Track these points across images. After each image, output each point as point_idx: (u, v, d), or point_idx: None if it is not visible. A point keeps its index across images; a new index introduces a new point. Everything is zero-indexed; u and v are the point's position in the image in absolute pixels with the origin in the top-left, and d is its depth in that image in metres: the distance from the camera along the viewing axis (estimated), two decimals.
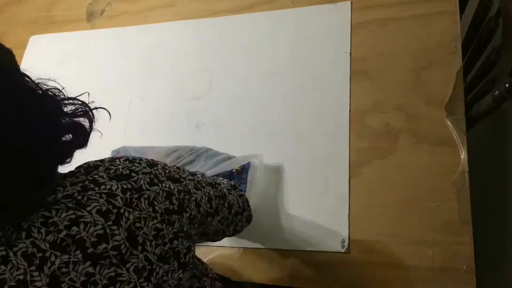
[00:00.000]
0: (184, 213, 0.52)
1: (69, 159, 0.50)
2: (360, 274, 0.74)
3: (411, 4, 0.89)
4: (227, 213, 0.64)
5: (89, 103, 0.54)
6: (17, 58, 1.28)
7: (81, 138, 0.52)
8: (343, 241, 0.76)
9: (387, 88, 0.85)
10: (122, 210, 0.47)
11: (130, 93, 1.03)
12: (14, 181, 0.42)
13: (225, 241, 0.83)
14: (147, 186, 0.50)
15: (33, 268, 0.42)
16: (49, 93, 0.50)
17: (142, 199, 0.49)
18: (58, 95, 0.52)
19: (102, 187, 0.47)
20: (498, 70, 0.90)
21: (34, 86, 0.48)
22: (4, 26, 1.29)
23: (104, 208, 0.46)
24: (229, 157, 0.84)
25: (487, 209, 0.95)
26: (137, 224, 0.47)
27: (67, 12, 1.23)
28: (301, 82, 0.91)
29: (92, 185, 0.47)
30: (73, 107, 0.52)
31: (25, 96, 0.45)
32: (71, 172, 0.50)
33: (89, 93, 0.55)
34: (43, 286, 0.42)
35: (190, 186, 0.56)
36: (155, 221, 0.48)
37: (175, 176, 0.55)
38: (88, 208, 0.45)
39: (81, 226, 0.44)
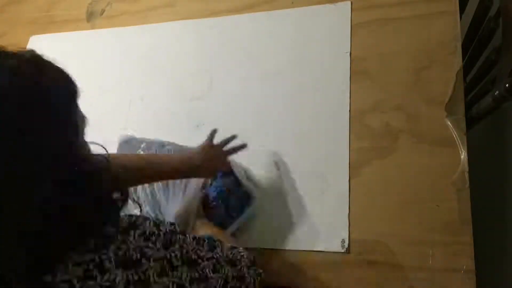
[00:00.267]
0: None
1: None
2: (360, 274, 0.74)
3: (411, 4, 0.89)
4: None
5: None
6: None
7: (124, 197, 0.49)
8: (343, 241, 0.76)
9: (387, 88, 0.85)
10: None
11: (130, 93, 1.03)
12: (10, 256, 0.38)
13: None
14: (156, 278, 0.45)
15: None
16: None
17: None
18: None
19: (105, 277, 0.42)
20: (498, 70, 0.90)
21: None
22: (4, 26, 1.29)
23: None
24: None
25: (487, 209, 0.95)
26: None
27: (67, 12, 1.23)
28: (301, 82, 0.91)
29: (95, 272, 0.42)
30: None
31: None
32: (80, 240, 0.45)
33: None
34: None
35: (207, 270, 0.51)
36: None
37: (193, 257, 0.50)
38: None
39: None
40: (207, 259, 0.52)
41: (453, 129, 0.78)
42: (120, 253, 0.44)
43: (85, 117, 0.48)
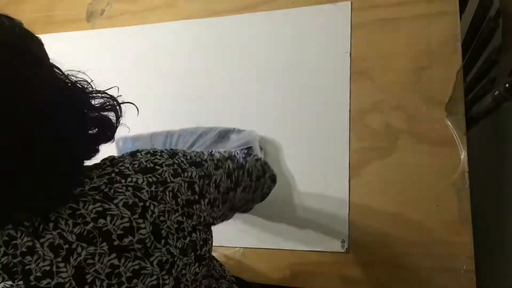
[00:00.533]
0: (203, 200, 0.53)
1: (95, 153, 0.50)
2: (360, 274, 0.74)
3: (411, 4, 0.89)
4: (248, 180, 0.65)
5: (117, 96, 0.56)
6: None
7: (108, 132, 0.51)
8: (343, 241, 0.76)
9: (387, 88, 0.85)
10: (147, 204, 0.47)
11: (130, 93, 1.03)
12: (42, 172, 0.42)
13: (226, 241, 0.83)
14: (171, 178, 0.50)
15: (59, 259, 0.42)
16: (78, 85, 0.51)
17: (167, 192, 0.49)
18: (87, 88, 0.52)
19: (129, 179, 0.48)
20: (498, 70, 0.90)
21: (64, 78, 0.49)
22: None
23: (130, 201, 0.46)
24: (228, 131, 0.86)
25: (487, 209, 0.95)
26: (161, 218, 0.47)
27: (67, 12, 1.23)
28: (301, 82, 0.91)
29: (118, 177, 0.47)
30: (101, 101, 0.53)
31: (55, 87, 0.46)
32: (97, 165, 0.50)
33: (118, 88, 0.57)
34: (68, 277, 0.42)
35: (211, 168, 0.57)
36: (177, 214, 0.49)
37: (197, 160, 0.56)
38: (115, 201, 0.45)
39: (108, 219, 0.44)
40: (209, 161, 0.58)
41: (453, 129, 0.78)
42: (135, 164, 0.50)
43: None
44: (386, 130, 0.82)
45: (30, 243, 0.42)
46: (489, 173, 0.97)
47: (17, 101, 0.39)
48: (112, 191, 0.46)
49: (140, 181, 0.48)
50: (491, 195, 0.96)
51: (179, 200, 0.50)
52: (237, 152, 0.68)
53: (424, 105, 0.81)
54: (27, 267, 0.41)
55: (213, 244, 0.84)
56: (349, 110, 0.85)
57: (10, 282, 0.41)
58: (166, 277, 0.47)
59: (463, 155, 0.76)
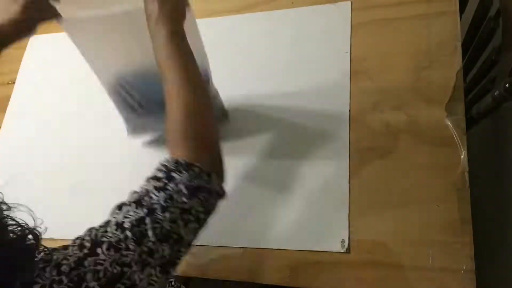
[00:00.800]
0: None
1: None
2: (360, 274, 0.74)
3: (411, 4, 0.89)
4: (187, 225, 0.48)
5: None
6: (17, 58, 1.29)
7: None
8: (343, 241, 0.76)
9: (387, 88, 0.85)
10: None
11: None
12: None
13: (226, 241, 0.83)
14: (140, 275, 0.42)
15: None
16: None
17: None
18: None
19: None
20: (498, 70, 0.90)
21: None
22: None
23: None
24: None
25: (487, 209, 0.95)
26: None
27: None
28: (301, 82, 0.91)
29: None
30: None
31: None
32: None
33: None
34: None
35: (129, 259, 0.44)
36: None
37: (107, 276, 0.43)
38: None
39: None
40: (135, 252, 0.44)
41: (453, 129, 0.78)
42: (100, 275, 0.41)
43: None
44: (386, 130, 0.82)
45: None
46: (489, 173, 0.97)
47: None
48: None
49: None
50: (491, 195, 0.96)
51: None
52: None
53: (424, 105, 0.81)
54: None
55: (213, 244, 0.84)
56: (349, 110, 0.85)
57: None
58: None
59: (463, 155, 0.76)
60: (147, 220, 0.45)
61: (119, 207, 0.50)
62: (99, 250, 0.44)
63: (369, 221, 0.77)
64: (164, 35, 0.54)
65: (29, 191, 1.02)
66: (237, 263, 0.81)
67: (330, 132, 0.85)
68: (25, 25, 0.65)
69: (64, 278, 0.41)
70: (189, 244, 0.50)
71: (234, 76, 0.97)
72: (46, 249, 0.43)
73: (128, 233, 0.44)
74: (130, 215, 0.46)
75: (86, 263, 0.42)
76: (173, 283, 0.92)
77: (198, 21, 1.07)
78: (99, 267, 0.42)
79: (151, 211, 0.46)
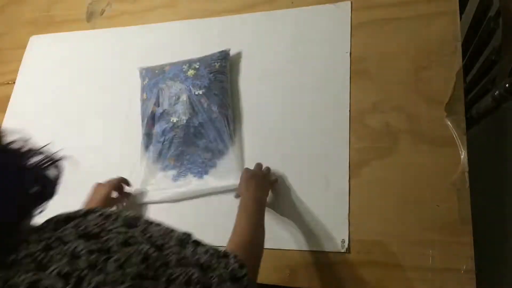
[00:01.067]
0: (159, 282, 0.47)
1: (37, 212, 0.47)
2: (360, 274, 0.74)
3: (411, 4, 0.89)
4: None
5: (56, 152, 0.51)
6: (17, 58, 1.29)
7: (48, 190, 0.49)
8: (343, 241, 0.76)
9: (387, 88, 0.85)
10: (84, 273, 0.42)
11: (130, 93, 1.03)
12: None
13: (226, 241, 0.83)
14: (118, 247, 0.45)
15: None
16: (9, 147, 0.47)
17: (109, 262, 0.44)
18: (21, 148, 0.48)
19: (67, 246, 0.44)
20: (498, 70, 0.90)
21: None
22: (4, 26, 1.29)
23: (65, 270, 0.42)
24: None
25: (487, 209, 0.95)
26: None
27: (67, 12, 1.23)
28: (301, 82, 0.91)
29: (56, 244, 0.44)
30: (38, 159, 0.49)
31: None
32: (38, 227, 0.47)
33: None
34: None
35: (171, 258, 0.49)
36: (123, 286, 0.44)
37: (157, 243, 0.49)
38: (48, 271, 0.41)
39: None
40: (172, 253, 0.50)
41: (453, 129, 0.78)
42: (80, 228, 0.46)
43: None
44: (386, 130, 0.82)
45: None
46: (489, 173, 0.97)
47: None
48: (46, 259, 0.42)
49: (79, 248, 0.44)
50: (491, 195, 0.96)
51: (127, 270, 0.44)
52: (224, 269, 0.55)
53: (424, 105, 0.81)
54: None
55: (213, 244, 0.84)
56: (349, 110, 0.85)
57: None
58: None
59: (463, 155, 0.76)
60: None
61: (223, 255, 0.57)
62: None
63: (369, 221, 0.77)
64: (248, 197, 0.75)
65: None
66: None
67: (330, 132, 0.85)
68: (109, 202, 0.87)
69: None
70: None
71: (233, 76, 0.97)
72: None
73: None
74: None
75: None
76: None
77: (198, 21, 1.08)
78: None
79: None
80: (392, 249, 0.74)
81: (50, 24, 1.24)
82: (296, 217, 0.81)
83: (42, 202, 0.48)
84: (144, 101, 0.96)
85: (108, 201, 0.86)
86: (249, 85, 0.95)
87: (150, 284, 0.46)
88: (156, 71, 0.96)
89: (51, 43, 1.20)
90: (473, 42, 0.98)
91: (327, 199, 0.80)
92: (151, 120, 0.93)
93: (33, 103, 1.13)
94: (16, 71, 1.19)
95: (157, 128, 0.92)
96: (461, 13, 0.90)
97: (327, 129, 0.85)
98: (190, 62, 0.94)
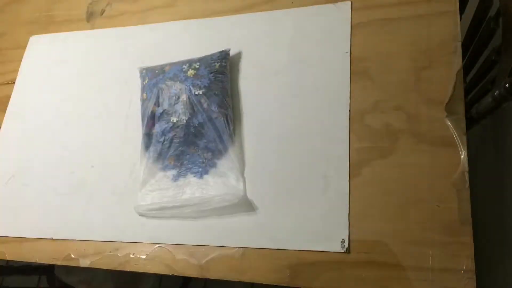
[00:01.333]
0: None
1: None
2: (360, 274, 0.74)
3: (411, 4, 0.89)
4: None
5: None
6: (17, 58, 1.30)
7: None
8: (343, 241, 0.76)
9: (387, 88, 0.85)
10: None
11: (130, 93, 1.03)
12: None
13: (225, 241, 0.83)
14: None
15: None
16: None
17: None
18: None
19: None
20: (498, 70, 0.90)
21: None
22: (4, 26, 1.29)
23: None
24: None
25: (487, 209, 0.95)
26: None
27: (67, 12, 1.23)
28: (301, 82, 0.91)
29: None
30: None
31: None
32: None
33: None
34: None
35: None
36: None
37: None
38: None
39: None
40: None
41: (453, 129, 0.78)
42: None
43: None
44: (386, 130, 0.82)
45: None
46: (489, 173, 0.97)
47: None
48: None
49: None
50: (491, 195, 0.96)
51: None
52: None
53: (424, 105, 0.81)
54: None
55: (213, 244, 0.84)
56: (349, 110, 0.85)
57: None
58: None
59: (463, 155, 0.76)
60: None
61: None
62: None
63: (369, 221, 0.77)
64: None
65: (29, 191, 1.02)
66: (237, 263, 0.81)
67: (330, 132, 0.85)
68: None
69: None
70: None
71: (233, 76, 0.97)
72: None
73: None
74: None
75: None
76: None
77: (198, 21, 1.08)
78: None
79: None
80: (392, 249, 0.74)
81: (50, 24, 1.24)
82: (296, 217, 0.81)
83: None
84: (144, 101, 0.96)
85: None
86: (249, 85, 0.95)
87: None
88: (156, 71, 0.96)
89: (51, 43, 1.20)
90: (473, 42, 0.98)
91: (327, 199, 0.80)
92: (151, 120, 0.93)
93: (33, 103, 1.13)
94: (16, 71, 1.19)
95: (157, 128, 0.92)
96: (461, 13, 0.90)
97: (327, 129, 0.85)
98: (190, 62, 0.94)
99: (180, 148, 0.91)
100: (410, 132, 0.80)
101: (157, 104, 0.93)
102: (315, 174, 0.83)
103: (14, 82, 1.18)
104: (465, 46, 0.97)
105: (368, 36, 0.90)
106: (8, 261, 1.11)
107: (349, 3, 0.94)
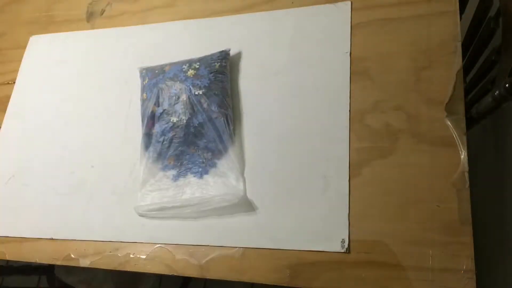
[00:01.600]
0: None
1: None
2: (360, 274, 0.74)
3: (411, 4, 0.89)
4: None
5: None
6: (17, 58, 1.30)
7: None
8: (343, 241, 0.76)
9: (387, 88, 0.85)
10: None
11: (130, 93, 1.03)
12: None
13: (225, 241, 0.83)
14: None
15: None
16: None
17: None
18: None
19: None
20: (498, 70, 0.90)
21: None
22: (4, 26, 1.29)
23: None
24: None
25: (487, 209, 0.95)
26: None
27: (67, 12, 1.23)
28: (301, 82, 0.91)
29: None
30: None
31: None
32: None
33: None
34: None
35: None
36: None
37: None
38: None
39: None
40: None
41: (453, 129, 0.78)
42: None
43: None
44: (386, 130, 0.82)
45: None
46: (489, 173, 0.97)
47: None
48: None
49: None
50: (491, 195, 0.96)
51: None
52: None
53: (424, 105, 0.81)
54: None
55: (213, 244, 0.84)
56: (349, 110, 0.85)
57: None
58: None
59: (463, 155, 0.76)
60: None
61: None
62: None
63: (369, 221, 0.77)
64: None
65: (29, 191, 1.02)
66: (237, 263, 0.81)
67: (330, 132, 0.85)
68: None
69: None
70: None
71: (233, 76, 0.97)
72: None
73: None
74: None
75: None
76: None
77: (198, 21, 1.08)
78: None
79: None
80: (392, 249, 0.74)
81: (50, 24, 1.24)
82: (296, 217, 0.81)
83: None
84: (144, 101, 0.96)
85: None
86: (249, 85, 0.95)
87: None
88: (156, 71, 0.96)
89: (51, 43, 1.20)
90: (473, 42, 0.98)
91: (327, 199, 0.80)
92: (151, 120, 0.93)
93: (33, 103, 1.13)
94: (16, 71, 1.19)
95: (157, 128, 0.92)
96: (461, 13, 0.90)
97: (327, 129, 0.85)
98: (190, 62, 0.94)
99: (180, 148, 0.91)
100: (410, 132, 0.80)
101: (157, 104, 0.93)
102: (315, 174, 0.83)
103: (14, 82, 1.18)
104: (465, 46, 0.97)
105: (368, 36, 0.90)
106: (8, 261, 1.11)
107: (349, 3, 0.94)
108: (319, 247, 0.77)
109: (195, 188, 0.89)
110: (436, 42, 0.85)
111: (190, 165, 0.91)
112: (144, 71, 0.99)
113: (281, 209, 0.82)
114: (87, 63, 1.13)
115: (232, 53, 0.98)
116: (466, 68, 0.98)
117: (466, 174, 0.74)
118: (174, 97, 0.91)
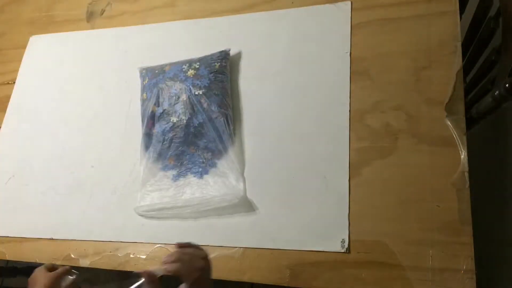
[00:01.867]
0: None
1: None
2: (360, 274, 0.74)
3: (411, 4, 0.89)
4: None
5: None
6: (17, 58, 1.30)
7: None
8: (343, 241, 0.76)
9: (387, 88, 0.85)
10: None
11: (130, 93, 1.03)
12: None
13: (226, 241, 0.83)
14: None
15: None
16: None
17: None
18: None
19: None
20: (498, 70, 0.90)
21: None
22: (4, 26, 1.29)
23: None
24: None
25: (487, 209, 0.95)
26: None
27: (67, 12, 1.23)
28: (301, 82, 0.91)
29: None
30: None
31: None
32: None
33: None
34: None
35: None
36: None
37: None
38: None
39: None
40: None
41: (453, 129, 0.78)
42: None
43: None
44: (386, 130, 0.82)
45: None
46: (489, 173, 0.97)
47: None
48: None
49: None
50: (491, 195, 0.96)
51: None
52: None
53: (424, 105, 0.81)
54: None
55: (213, 244, 0.84)
56: (349, 110, 0.85)
57: None
58: None
59: (463, 155, 0.76)
60: None
61: None
62: None
63: (369, 221, 0.77)
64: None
65: (29, 191, 1.02)
66: (237, 263, 0.81)
67: (330, 132, 0.85)
68: None
69: None
70: None
71: (233, 76, 0.97)
72: None
73: None
74: None
75: None
76: None
77: (198, 21, 1.08)
78: None
79: None
80: (392, 249, 0.74)
81: (50, 24, 1.24)
82: (296, 217, 0.81)
83: None
84: (144, 101, 0.96)
85: None
86: (249, 85, 0.95)
87: None
88: (156, 71, 0.96)
89: (51, 43, 1.20)
90: (473, 42, 0.98)
91: (327, 199, 0.80)
92: (151, 120, 0.93)
93: (33, 103, 1.13)
94: (16, 71, 1.19)
95: (157, 128, 0.92)
96: (461, 13, 0.90)
97: (327, 129, 0.85)
98: (190, 62, 0.94)
99: (180, 148, 0.91)
100: (410, 132, 0.80)
101: (157, 104, 0.93)
102: (315, 174, 0.83)
103: (14, 82, 1.18)
104: (465, 46, 0.97)
105: (368, 36, 0.90)
106: (8, 261, 1.11)
107: (349, 3, 0.94)
108: (319, 247, 0.77)
109: (195, 188, 0.89)
110: (436, 42, 0.85)
111: (190, 165, 0.91)
112: (144, 71, 0.99)
113: (281, 209, 0.82)
114: (87, 63, 1.13)
115: (232, 53, 0.98)
116: (466, 68, 0.98)
117: (466, 174, 0.74)
118: (174, 97, 0.91)
